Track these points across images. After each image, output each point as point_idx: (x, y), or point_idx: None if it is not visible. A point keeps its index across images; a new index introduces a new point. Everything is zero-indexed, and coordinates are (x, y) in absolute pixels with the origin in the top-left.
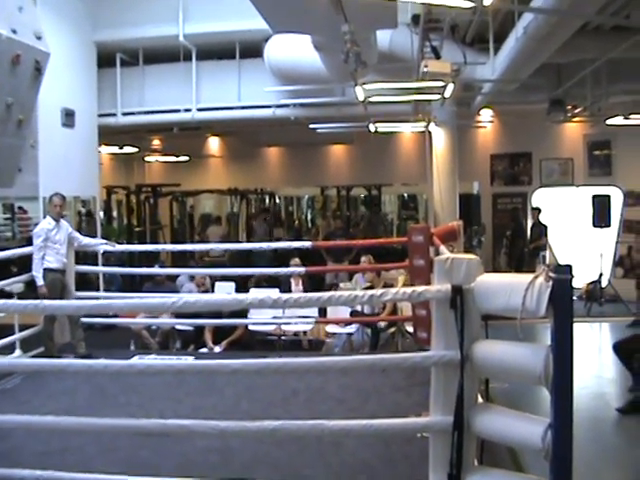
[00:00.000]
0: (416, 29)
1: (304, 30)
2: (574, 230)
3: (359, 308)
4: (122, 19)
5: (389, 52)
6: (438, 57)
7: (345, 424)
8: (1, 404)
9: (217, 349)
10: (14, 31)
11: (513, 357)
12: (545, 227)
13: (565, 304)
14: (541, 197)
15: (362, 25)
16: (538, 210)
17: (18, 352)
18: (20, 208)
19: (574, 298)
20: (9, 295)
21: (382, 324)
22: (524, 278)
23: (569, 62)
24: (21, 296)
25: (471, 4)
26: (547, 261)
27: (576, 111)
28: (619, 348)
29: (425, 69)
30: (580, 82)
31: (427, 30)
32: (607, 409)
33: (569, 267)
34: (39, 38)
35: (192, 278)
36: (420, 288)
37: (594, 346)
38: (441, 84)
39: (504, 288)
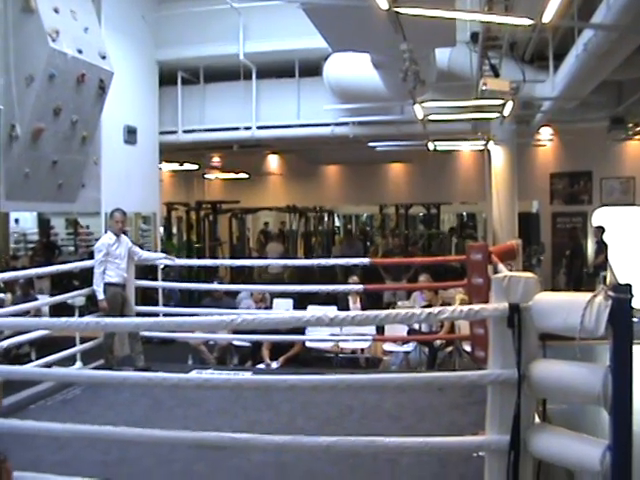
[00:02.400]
0: (475, 47)
1: (363, 48)
2: (635, 250)
3: (417, 326)
4: (183, 38)
5: (448, 70)
6: (497, 75)
7: (400, 441)
8: (61, 414)
9: (274, 365)
10: (80, 51)
11: (571, 377)
12: (606, 246)
13: (625, 324)
14: (602, 216)
15: (421, 43)
16: (602, 229)
17: (79, 364)
18: (78, 223)
19: (635, 319)
20: (71, 308)
21: (439, 342)
22: (583, 297)
23: (630, 79)
24: (82, 309)
25: (530, 22)
26: (607, 281)
27: (637, 129)
28: None
29: (484, 87)
30: None
31: (486, 48)
32: None
33: (629, 286)
34: (103, 57)
35: (251, 294)
36: (477, 306)
37: None
38: (500, 102)
39: (562, 307)
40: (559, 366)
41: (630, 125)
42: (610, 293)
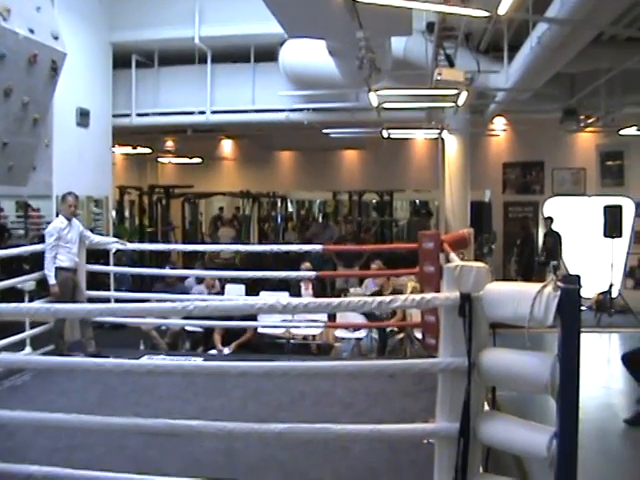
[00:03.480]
0: (431, 37)
1: (319, 35)
2: (585, 240)
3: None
4: (138, 21)
5: (403, 59)
6: (452, 65)
7: (352, 428)
8: (10, 401)
9: (226, 351)
10: (31, 31)
11: (520, 365)
12: (559, 236)
13: (573, 314)
14: (553, 206)
15: (377, 32)
16: (551, 219)
17: (28, 349)
18: (29, 206)
19: (584, 308)
20: (21, 293)
21: (389, 329)
22: (532, 287)
23: (583, 72)
24: (32, 294)
25: (486, 14)
26: (557, 270)
27: (589, 121)
28: (628, 359)
29: (439, 77)
30: (594, 92)
31: (441, 38)
32: (615, 420)
33: (577, 277)
34: (56, 38)
35: (200, 280)
36: (429, 295)
37: (603, 357)
38: (455, 92)
39: (512, 297)
40: (508, 355)
41: (582, 117)
42: (559, 284)
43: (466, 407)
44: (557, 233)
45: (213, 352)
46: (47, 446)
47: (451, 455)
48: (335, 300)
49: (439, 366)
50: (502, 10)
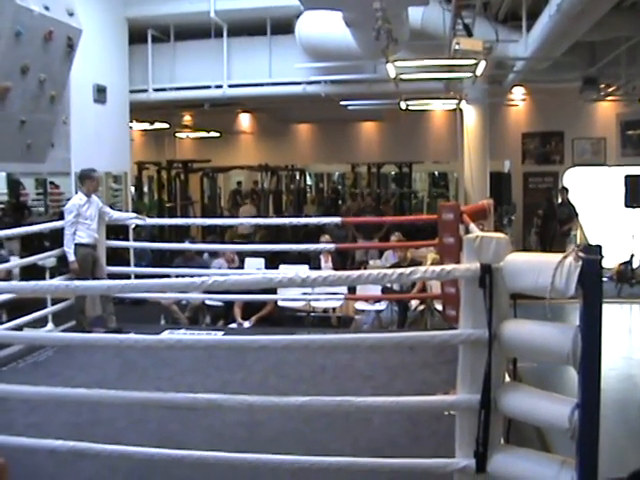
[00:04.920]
0: (448, 6)
1: (335, 6)
2: (606, 210)
3: (389, 285)
4: None
5: (421, 29)
6: (470, 35)
7: (372, 401)
8: (33, 376)
9: (246, 324)
10: (46, 7)
11: (541, 337)
12: (573, 207)
13: (594, 284)
14: (573, 177)
15: (394, 2)
16: (566, 190)
17: (50, 326)
18: (52, 183)
19: (605, 279)
20: (42, 269)
21: (411, 302)
22: (553, 258)
23: (603, 40)
24: (53, 270)
25: None
26: (578, 241)
27: (609, 90)
28: None
29: (457, 47)
30: (614, 61)
31: (459, 7)
32: (636, 390)
33: (599, 247)
34: (71, 14)
35: (215, 254)
36: (449, 267)
37: (624, 327)
38: (473, 62)
39: (533, 267)
40: (529, 326)
41: (602, 86)
42: (580, 254)
43: (487, 379)
44: (572, 204)
45: (233, 326)
46: (69, 421)
47: (472, 427)
48: (354, 273)
49: (460, 338)
50: None
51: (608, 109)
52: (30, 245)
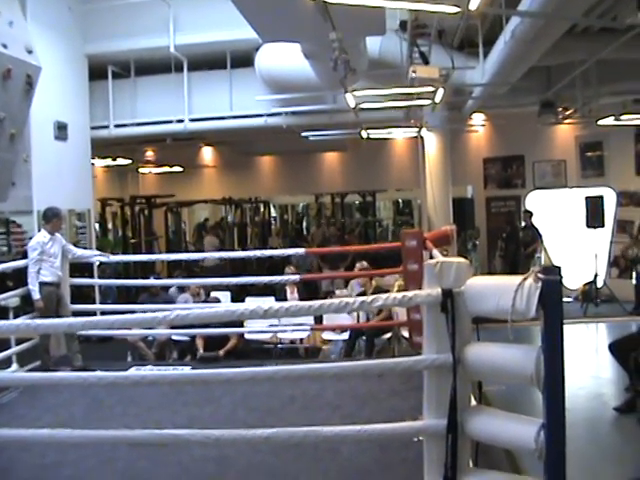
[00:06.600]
0: (404, 35)
1: (293, 38)
2: (568, 231)
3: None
4: (113, 31)
5: (379, 58)
6: (427, 62)
7: (339, 430)
8: None
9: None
10: (5, 46)
11: (504, 359)
12: (537, 229)
13: (555, 305)
14: (534, 199)
15: (350, 32)
16: (530, 213)
17: (15, 366)
18: (14, 222)
19: (570, 299)
20: (5, 309)
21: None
22: (513, 280)
23: (559, 64)
24: (17, 310)
25: (457, 9)
26: (542, 263)
27: (567, 113)
28: (615, 348)
29: (413, 74)
30: (570, 84)
31: (415, 36)
32: (604, 409)
33: (558, 268)
34: (30, 52)
35: (183, 289)
36: (410, 293)
37: (591, 347)
38: (431, 89)
39: (494, 290)
40: (492, 348)
41: (559, 109)
42: (540, 275)
43: (453, 403)
44: (535, 227)
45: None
46: (34, 463)
47: (440, 451)
48: (316, 303)
49: (424, 363)
50: (473, 5)
51: (567, 132)
52: None
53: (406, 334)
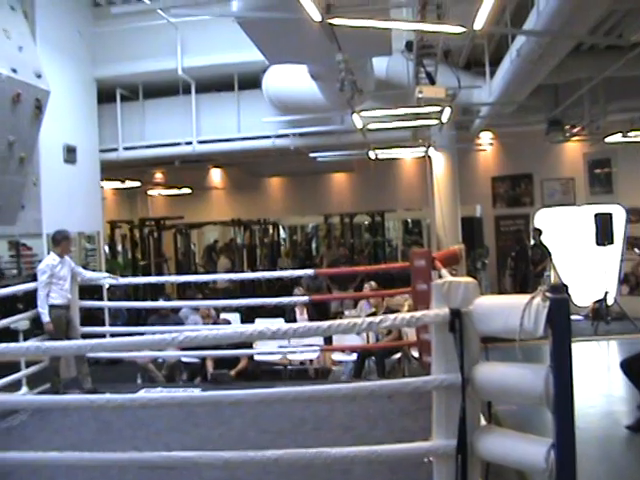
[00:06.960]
0: (410, 56)
1: (300, 60)
2: (578, 249)
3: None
4: (121, 55)
5: (386, 79)
6: (433, 82)
7: (349, 451)
8: (7, 441)
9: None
10: (14, 70)
11: (513, 378)
12: (546, 248)
13: (563, 323)
14: (543, 218)
15: (356, 53)
16: (539, 231)
17: (25, 389)
18: (24, 245)
19: (581, 317)
20: (15, 332)
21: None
22: (521, 299)
23: (566, 82)
24: (27, 333)
25: (462, 29)
26: (552, 281)
27: (575, 130)
28: (627, 366)
29: (420, 95)
30: (577, 102)
31: (421, 56)
32: (616, 427)
33: (565, 286)
34: (39, 76)
35: (196, 310)
36: (418, 313)
37: (602, 365)
38: (438, 109)
39: (502, 310)
40: (501, 368)
41: (567, 127)
42: (547, 294)
43: (462, 423)
44: (544, 245)
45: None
46: None
47: (450, 472)
48: (324, 323)
49: (433, 384)
50: (478, 25)
51: (575, 149)
52: (3, 308)
53: (416, 354)
